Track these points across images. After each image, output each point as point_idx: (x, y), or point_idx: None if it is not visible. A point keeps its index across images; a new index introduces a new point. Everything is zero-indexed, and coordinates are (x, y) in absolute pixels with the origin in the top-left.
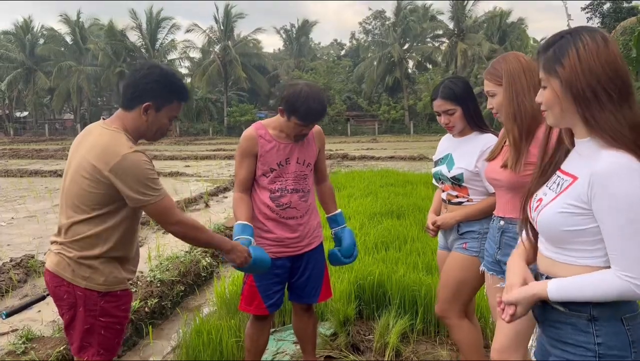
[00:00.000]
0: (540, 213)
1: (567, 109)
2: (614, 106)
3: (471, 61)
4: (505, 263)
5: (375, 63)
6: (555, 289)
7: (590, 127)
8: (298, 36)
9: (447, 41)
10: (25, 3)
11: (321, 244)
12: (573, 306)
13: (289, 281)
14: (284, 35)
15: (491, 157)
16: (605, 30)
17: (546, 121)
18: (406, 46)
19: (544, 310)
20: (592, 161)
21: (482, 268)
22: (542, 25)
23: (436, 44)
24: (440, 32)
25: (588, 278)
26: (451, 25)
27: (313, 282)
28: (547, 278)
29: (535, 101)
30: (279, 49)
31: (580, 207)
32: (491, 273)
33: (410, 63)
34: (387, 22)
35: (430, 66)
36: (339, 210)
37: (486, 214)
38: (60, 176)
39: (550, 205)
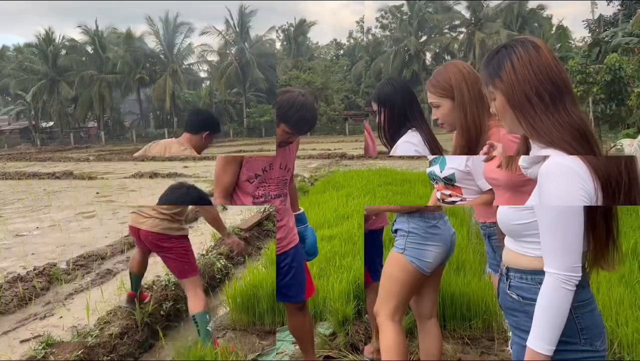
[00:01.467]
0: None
1: (513, 117)
2: (547, 109)
3: (489, 50)
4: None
5: (391, 57)
6: (539, 343)
7: (529, 132)
8: (296, 36)
9: (465, 31)
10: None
11: (299, 243)
12: (526, 295)
13: (276, 283)
14: (281, 35)
15: (488, 158)
16: (536, 38)
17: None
18: (423, 39)
19: (504, 299)
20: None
21: (488, 269)
22: (564, 12)
23: (454, 35)
24: (457, 22)
25: (542, 304)
26: (468, 15)
27: (298, 280)
28: (508, 270)
29: (479, 110)
30: (277, 49)
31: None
32: (495, 273)
33: (428, 55)
34: (403, 16)
35: (449, 57)
36: (301, 209)
37: None
38: (78, 177)
39: None
